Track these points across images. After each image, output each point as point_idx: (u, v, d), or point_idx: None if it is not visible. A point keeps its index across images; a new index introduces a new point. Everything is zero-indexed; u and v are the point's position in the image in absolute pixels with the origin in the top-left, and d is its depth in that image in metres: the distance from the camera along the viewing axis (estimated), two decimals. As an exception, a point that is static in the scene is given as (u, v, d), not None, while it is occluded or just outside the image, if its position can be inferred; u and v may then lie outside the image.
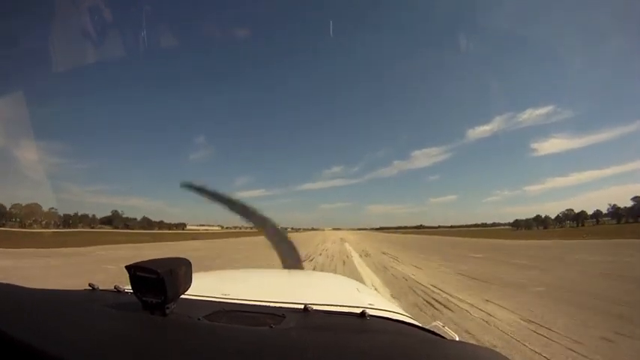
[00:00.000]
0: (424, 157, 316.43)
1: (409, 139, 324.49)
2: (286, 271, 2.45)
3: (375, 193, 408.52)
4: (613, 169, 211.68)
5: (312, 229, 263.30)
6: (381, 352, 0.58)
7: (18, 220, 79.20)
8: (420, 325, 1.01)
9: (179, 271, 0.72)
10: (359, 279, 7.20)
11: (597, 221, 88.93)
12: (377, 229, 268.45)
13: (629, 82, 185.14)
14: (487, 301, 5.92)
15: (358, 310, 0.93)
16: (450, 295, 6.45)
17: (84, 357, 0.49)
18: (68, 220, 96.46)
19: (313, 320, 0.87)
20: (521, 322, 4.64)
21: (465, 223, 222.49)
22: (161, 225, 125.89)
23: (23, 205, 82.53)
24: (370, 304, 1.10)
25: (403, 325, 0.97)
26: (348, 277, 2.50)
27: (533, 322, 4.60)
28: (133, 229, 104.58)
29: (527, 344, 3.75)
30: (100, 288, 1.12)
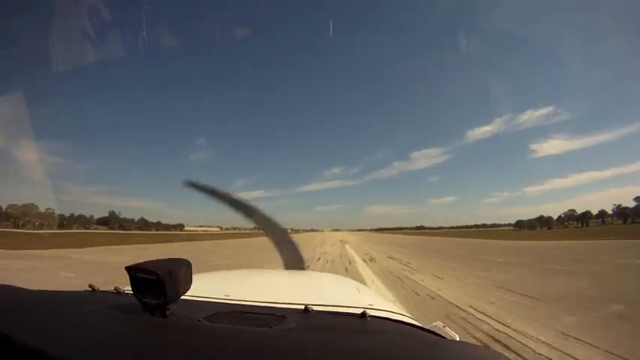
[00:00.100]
0: (424, 158, 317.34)
1: (409, 140, 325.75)
2: (286, 271, 2.49)
3: (374, 194, 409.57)
4: (613, 171, 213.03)
5: (312, 230, 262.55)
6: (382, 352, 0.58)
7: (12, 220, 78.03)
8: (421, 325, 1.02)
9: (179, 272, 0.71)
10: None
11: (603, 221, 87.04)
12: (376, 230, 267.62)
13: (629, 83, 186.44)
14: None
15: (358, 311, 0.94)
16: (537, 341, 3.85)
17: (84, 358, 0.49)
18: (63, 221, 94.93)
19: (314, 321, 0.87)
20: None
21: (464, 224, 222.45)
22: (158, 226, 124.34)
23: (19, 205, 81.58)
24: (370, 305, 1.11)
25: (403, 325, 0.96)
26: None
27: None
28: (129, 229, 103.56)
29: None
30: (100, 289, 1.12)
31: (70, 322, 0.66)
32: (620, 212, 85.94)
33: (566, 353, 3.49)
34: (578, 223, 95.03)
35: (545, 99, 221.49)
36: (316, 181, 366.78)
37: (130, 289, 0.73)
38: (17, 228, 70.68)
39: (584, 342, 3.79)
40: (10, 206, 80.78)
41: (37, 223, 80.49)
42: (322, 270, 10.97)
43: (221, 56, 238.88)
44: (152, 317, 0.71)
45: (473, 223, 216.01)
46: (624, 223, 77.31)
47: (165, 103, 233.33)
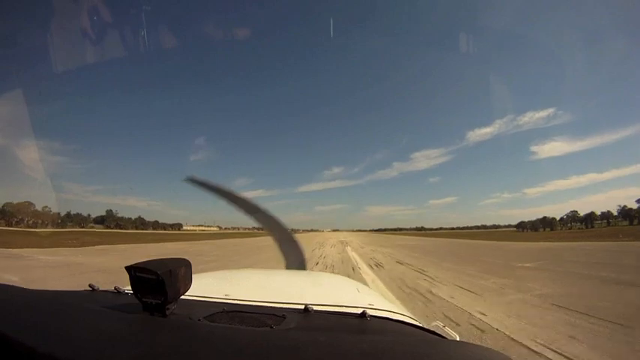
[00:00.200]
0: (424, 159, 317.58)
1: (409, 141, 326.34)
2: (286, 271, 2.56)
3: (374, 194, 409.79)
4: (613, 172, 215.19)
5: (312, 230, 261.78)
6: (382, 352, 0.57)
7: (8, 218, 77.35)
8: (421, 325, 1.01)
9: (179, 272, 0.71)
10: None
11: (608, 222, 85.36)
12: (376, 231, 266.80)
13: (630, 85, 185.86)
14: None
15: (359, 311, 0.94)
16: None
17: (84, 358, 0.49)
18: (57, 220, 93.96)
19: (314, 321, 0.87)
20: None
21: (464, 225, 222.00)
22: (155, 225, 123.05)
23: (15, 203, 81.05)
24: (370, 305, 1.11)
25: (404, 325, 0.96)
26: None
27: None
28: (125, 228, 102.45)
29: None
30: (100, 289, 1.12)
31: (69, 322, 0.66)
32: (626, 213, 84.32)
33: None
34: (581, 224, 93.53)
35: (546, 101, 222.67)
36: (316, 181, 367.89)
37: (130, 288, 0.72)
38: (10, 226, 69.32)
39: None
40: (6, 204, 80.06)
41: (30, 222, 79.76)
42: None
43: (221, 57, 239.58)
44: (152, 317, 0.71)
45: (473, 224, 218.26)
46: (630, 224, 75.72)
47: (166, 102, 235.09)
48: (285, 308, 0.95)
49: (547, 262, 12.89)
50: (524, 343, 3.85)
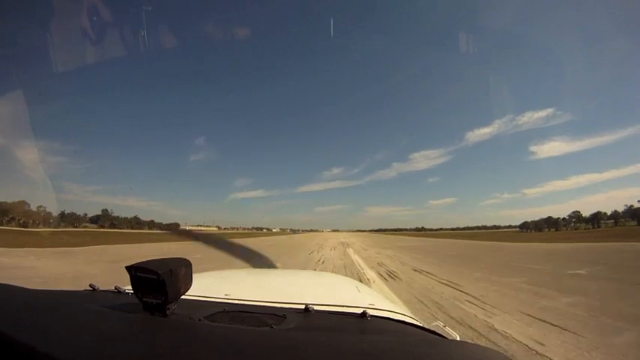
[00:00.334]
0: (423, 160, 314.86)
1: (408, 141, 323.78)
2: (287, 271, 2.65)
3: (374, 195, 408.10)
4: (613, 173, 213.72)
5: (311, 230, 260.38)
6: (382, 352, 0.58)
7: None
8: (421, 325, 1.01)
9: (179, 272, 0.71)
10: None
11: (616, 222, 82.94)
12: (376, 231, 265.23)
13: (630, 86, 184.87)
14: None
15: (359, 311, 0.94)
16: None
17: (84, 357, 0.49)
18: (49, 219, 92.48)
19: (314, 320, 0.87)
20: None
21: (464, 226, 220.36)
22: (151, 225, 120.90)
23: (9, 202, 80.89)
24: (371, 304, 1.11)
25: (404, 325, 0.96)
26: None
27: None
28: (120, 228, 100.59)
29: None
30: (101, 288, 1.12)
31: (70, 322, 0.66)
32: (633, 213, 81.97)
33: None
34: (587, 224, 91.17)
35: (545, 101, 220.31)
36: (316, 182, 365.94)
37: (131, 288, 0.72)
38: (0, 225, 69.09)
39: None
40: (1, 203, 79.44)
41: (21, 221, 78.83)
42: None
43: (221, 56, 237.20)
44: (152, 317, 0.71)
45: (473, 224, 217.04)
46: (638, 224, 73.37)
47: (166, 103, 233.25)
48: (285, 308, 0.95)
49: (605, 269, 10.36)
50: None
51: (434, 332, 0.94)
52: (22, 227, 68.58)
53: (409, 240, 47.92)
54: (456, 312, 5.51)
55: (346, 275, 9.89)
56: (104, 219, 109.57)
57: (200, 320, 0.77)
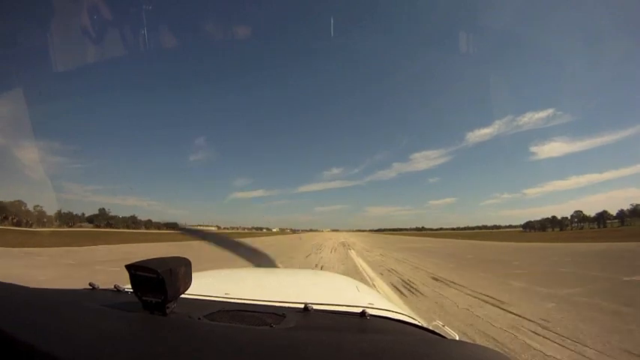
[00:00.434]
0: (423, 160, 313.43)
1: (408, 142, 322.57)
2: (286, 270, 2.51)
3: (374, 195, 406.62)
4: (613, 173, 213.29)
5: (311, 230, 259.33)
6: (382, 351, 0.57)
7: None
8: (421, 324, 1.00)
9: (179, 271, 0.71)
10: None
11: (622, 222, 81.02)
12: (376, 231, 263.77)
13: (630, 86, 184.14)
14: None
15: (358, 310, 0.93)
16: None
17: (84, 356, 0.49)
18: (42, 218, 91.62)
19: (313, 320, 0.87)
20: None
21: (465, 226, 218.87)
22: (148, 224, 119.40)
23: (6, 202, 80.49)
24: (370, 304, 1.10)
25: (403, 324, 0.95)
26: None
27: None
28: (116, 227, 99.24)
29: None
30: (100, 287, 1.12)
31: (69, 320, 0.65)
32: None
33: None
34: (592, 224, 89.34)
35: (545, 101, 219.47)
36: (316, 182, 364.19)
37: (130, 287, 0.72)
38: None
39: None
40: None
41: (14, 220, 78.28)
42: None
43: (221, 56, 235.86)
44: (152, 315, 0.70)
45: (473, 224, 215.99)
46: (646, 224, 71.55)
47: (166, 103, 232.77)
48: (285, 307, 0.94)
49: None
50: None
51: (433, 332, 0.94)
52: (15, 226, 67.66)
53: (413, 240, 45.92)
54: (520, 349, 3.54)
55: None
56: (100, 218, 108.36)
57: (199, 319, 0.76)
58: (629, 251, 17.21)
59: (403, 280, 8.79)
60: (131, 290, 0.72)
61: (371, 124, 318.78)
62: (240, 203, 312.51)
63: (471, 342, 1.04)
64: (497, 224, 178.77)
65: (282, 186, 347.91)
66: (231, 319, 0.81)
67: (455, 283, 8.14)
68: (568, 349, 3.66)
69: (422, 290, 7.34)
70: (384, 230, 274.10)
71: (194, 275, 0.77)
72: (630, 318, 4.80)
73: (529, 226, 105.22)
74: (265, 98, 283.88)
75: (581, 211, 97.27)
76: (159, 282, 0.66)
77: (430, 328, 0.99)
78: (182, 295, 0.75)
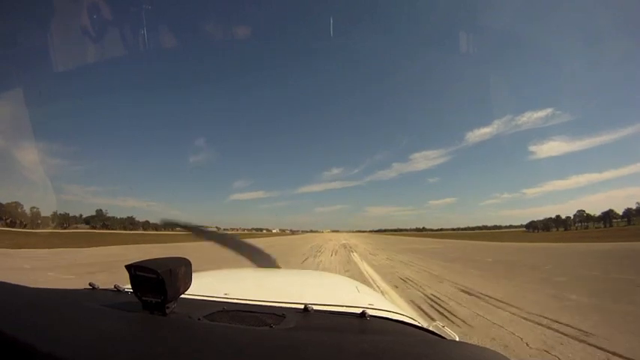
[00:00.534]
0: (423, 160, 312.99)
1: (408, 142, 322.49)
2: (286, 270, 2.59)
3: (374, 195, 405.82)
4: (612, 172, 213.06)
5: (311, 231, 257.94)
6: (382, 352, 0.57)
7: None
8: (420, 325, 1.00)
9: (179, 271, 0.71)
10: None
11: (629, 221, 79.36)
12: (376, 232, 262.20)
13: (629, 86, 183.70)
14: None
15: (358, 310, 0.93)
16: None
17: (83, 356, 0.49)
18: (37, 219, 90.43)
19: (313, 320, 0.86)
20: None
21: (465, 226, 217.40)
22: (146, 225, 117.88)
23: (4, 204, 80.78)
24: (370, 304, 1.10)
25: (403, 325, 0.95)
26: None
27: None
28: (113, 229, 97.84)
29: None
30: (100, 287, 1.12)
31: (69, 320, 0.65)
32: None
33: None
34: (597, 223, 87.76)
35: (545, 101, 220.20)
36: (316, 183, 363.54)
37: (130, 287, 0.72)
38: None
39: None
40: None
41: (8, 221, 78.37)
42: None
43: (221, 57, 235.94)
44: (152, 315, 0.70)
45: (474, 224, 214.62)
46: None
47: (166, 104, 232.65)
48: (284, 307, 0.94)
49: None
50: None
51: (433, 332, 0.94)
52: (9, 227, 67.80)
53: (416, 241, 44.17)
54: None
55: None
56: (96, 219, 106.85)
57: (199, 319, 0.76)
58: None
59: (426, 296, 7.03)
60: (131, 290, 0.71)
61: (371, 124, 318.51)
62: (240, 204, 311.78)
63: (471, 343, 0.75)
64: (498, 224, 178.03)
65: (282, 187, 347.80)
66: (231, 320, 0.80)
67: (496, 300, 6.39)
68: None
69: (460, 314, 5.55)
70: (385, 231, 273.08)
71: (194, 275, 0.77)
72: None
73: (532, 226, 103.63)
74: (265, 98, 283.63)
75: (584, 211, 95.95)
76: (159, 282, 0.66)
77: (430, 328, 1.00)
78: (182, 296, 0.74)
